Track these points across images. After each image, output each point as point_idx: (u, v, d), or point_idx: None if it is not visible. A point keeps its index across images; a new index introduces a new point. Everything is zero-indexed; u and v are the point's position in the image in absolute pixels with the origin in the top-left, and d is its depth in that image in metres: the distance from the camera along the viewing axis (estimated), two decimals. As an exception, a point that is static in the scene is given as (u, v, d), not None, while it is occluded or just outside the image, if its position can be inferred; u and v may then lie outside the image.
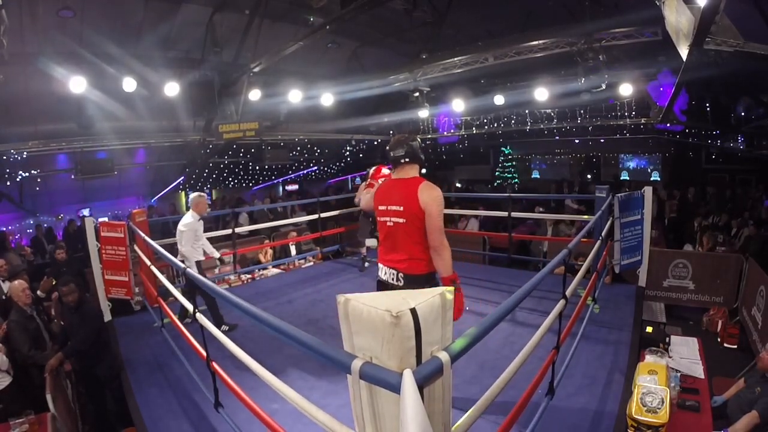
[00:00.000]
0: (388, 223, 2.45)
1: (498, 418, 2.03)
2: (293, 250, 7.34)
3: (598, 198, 4.77)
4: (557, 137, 12.73)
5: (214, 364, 2.54)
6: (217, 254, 4.73)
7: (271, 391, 1.82)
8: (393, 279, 2.44)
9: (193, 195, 4.47)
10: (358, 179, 15.65)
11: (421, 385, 1.02)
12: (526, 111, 11.30)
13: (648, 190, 4.59)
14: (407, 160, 2.47)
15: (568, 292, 2.49)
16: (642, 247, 4.63)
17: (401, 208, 2.39)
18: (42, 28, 6.51)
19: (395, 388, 1.01)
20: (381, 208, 2.50)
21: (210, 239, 7.13)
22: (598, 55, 6.52)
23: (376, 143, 13.95)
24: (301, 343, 1.43)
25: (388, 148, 2.53)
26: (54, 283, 4.90)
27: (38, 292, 5.02)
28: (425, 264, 2.40)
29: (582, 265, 3.40)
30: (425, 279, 2.40)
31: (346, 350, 1.25)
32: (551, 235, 7.60)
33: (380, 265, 2.54)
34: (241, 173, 13.19)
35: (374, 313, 1.11)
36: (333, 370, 3.20)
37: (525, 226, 8.65)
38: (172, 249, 6.29)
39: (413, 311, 1.09)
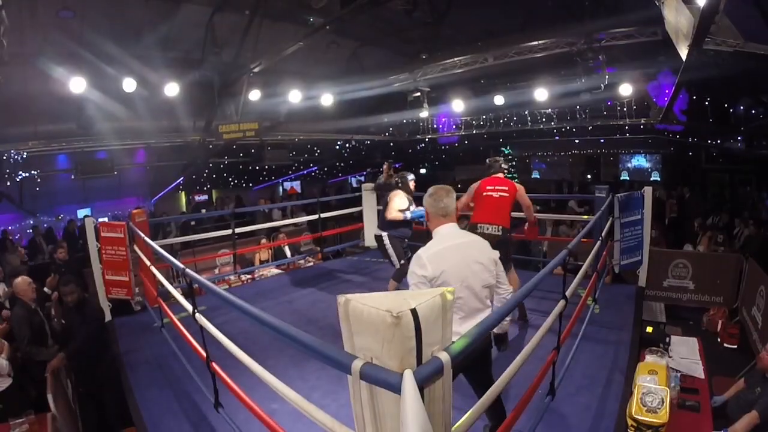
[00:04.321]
0: (495, 195, 3.88)
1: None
2: (287, 252, 7.35)
3: (598, 198, 4.77)
4: (557, 137, 12.72)
5: (214, 365, 2.54)
6: None
7: (271, 391, 1.82)
8: (495, 231, 3.73)
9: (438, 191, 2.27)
10: (357, 179, 15.65)
11: (422, 386, 1.02)
12: (526, 111, 11.30)
13: (648, 190, 4.59)
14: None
15: (568, 293, 2.48)
16: (642, 247, 4.63)
17: (506, 188, 3.90)
18: (42, 28, 6.51)
19: (396, 388, 1.01)
20: (489, 187, 3.95)
21: (210, 239, 7.16)
22: (598, 55, 6.52)
23: (376, 144, 13.95)
24: (302, 343, 1.43)
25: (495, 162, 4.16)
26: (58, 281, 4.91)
27: (45, 289, 5.03)
28: (510, 223, 3.90)
29: (582, 265, 3.40)
30: (509, 231, 3.85)
31: (347, 350, 1.25)
32: (551, 236, 7.60)
33: (481, 224, 3.80)
34: (241, 173, 13.20)
35: (375, 314, 1.11)
36: (333, 371, 3.17)
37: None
38: (171, 249, 6.30)
39: (414, 311, 1.09)
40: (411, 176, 4.71)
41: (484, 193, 3.94)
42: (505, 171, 4.16)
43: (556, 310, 2.33)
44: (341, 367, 1.20)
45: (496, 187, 3.93)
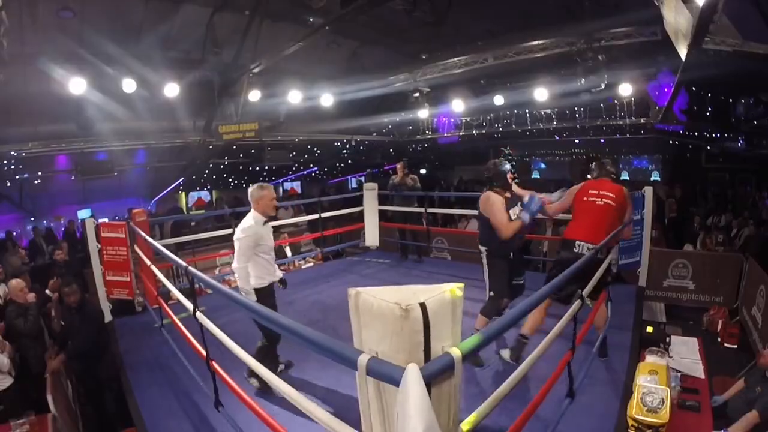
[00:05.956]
0: (599, 202, 3.23)
1: (509, 418, 2.02)
2: (288, 252, 7.33)
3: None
4: (557, 137, 12.72)
5: (214, 364, 2.54)
6: (280, 274, 3.38)
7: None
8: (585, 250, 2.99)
9: (252, 188, 3.19)
10: (357, 179, 15.64)
11: (429, 382, 1.01)
12: (526, 111, 11.30)
13: (648, 191, 4.59)
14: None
15: (585, 292, 2.47)
16: (642, 247, 4.63)
17: (613, 194, 3.24)
18: (42, 28, 6.50)
19: (401, 383, 1.00)
20: (592, 191, 3.31)
21: (210, 239, 7.14)
22: (597, 55, 6.52)
23: (376, 144, 13.94)
24: (309, 339, 1.43)
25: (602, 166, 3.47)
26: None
27: (47, 291, 5.04)
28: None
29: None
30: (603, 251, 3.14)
31: (356, 344, 1.25)
32: (551, 235, 7.60)
33: (579, 241, 3.14)
34: (241, 174, 13.19)
35: (384, 306, 1.11)
36: (334, 369, 3.19)
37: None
38: (174, 249, 6.27)
39: (422, 305, 1.08)
40: (507, 165, 3.51)
41: (585, 198, 3.29)
42: (614, 177, 3.43)
43: (572, 311, 2.31)
44: (347, 363, 1.19)
45: (601, 192, 3.25)
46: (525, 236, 3.67)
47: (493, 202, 3.35)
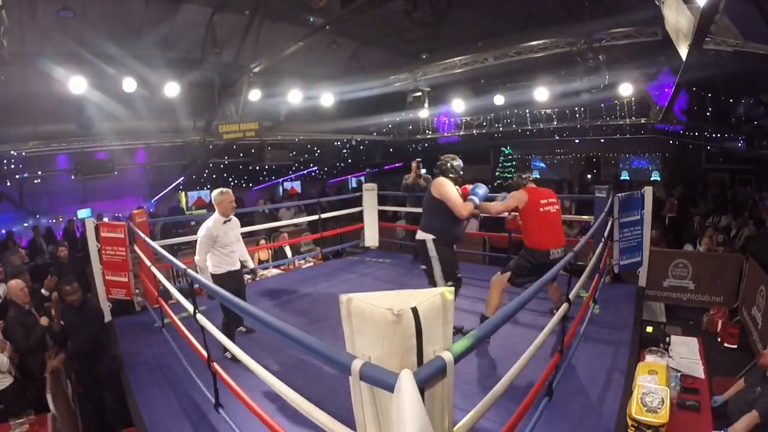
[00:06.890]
0: (552, 210, 3.56)
1: (500, 419, 2.03)
2: (288, 252, 7.31)
3: (598, 198, 4.77)
4: (557, 137, 12.72)
5: (215, 365, 2.54)
6: (251, 264, 4.11)
7: (271, 391, 1.82)
8: (563, 254, 3.33)
9: (214, 193, 3.81)
10: (357, 179, 15.64)
11: (422, 386, 1.02)
12: (526, 111, 11.30)
13: (648, 190, 4.59)
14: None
15: (571, 295, 2.47)
16: (642, 247, 4.63)
17: (555, 199, 3.65)
18: (42, 28, 6.51)
19: (395, 388, 1.01)
20: (543, 201, 3.56)
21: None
22: (598, 55, 6.51)
23: (376, 144, 13.95)
24: (302, 343, 1.43)
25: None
26: (57, 281, 4.91)
27: (43, 291, 5.03)
28: None
29: (582, 264, 3.40)
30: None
31: (348, 350, 1.25)
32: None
33: (553, 249, 3.45)
34: (242, 173, 13.19)
35: (376, 312, 1.12)
36: (333, 370, 3.20)
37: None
38: (171, 249, 6.27)
39: (414, 310, 1.10)
40: (458, 162, 3.68)
41: (542, 209, 3.53)
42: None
43: (560, 312, 2.32)
44: (341, 368, 1.20)
45: (549, 200, 3.58)
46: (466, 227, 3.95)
47: (447, 183, 3.54)
